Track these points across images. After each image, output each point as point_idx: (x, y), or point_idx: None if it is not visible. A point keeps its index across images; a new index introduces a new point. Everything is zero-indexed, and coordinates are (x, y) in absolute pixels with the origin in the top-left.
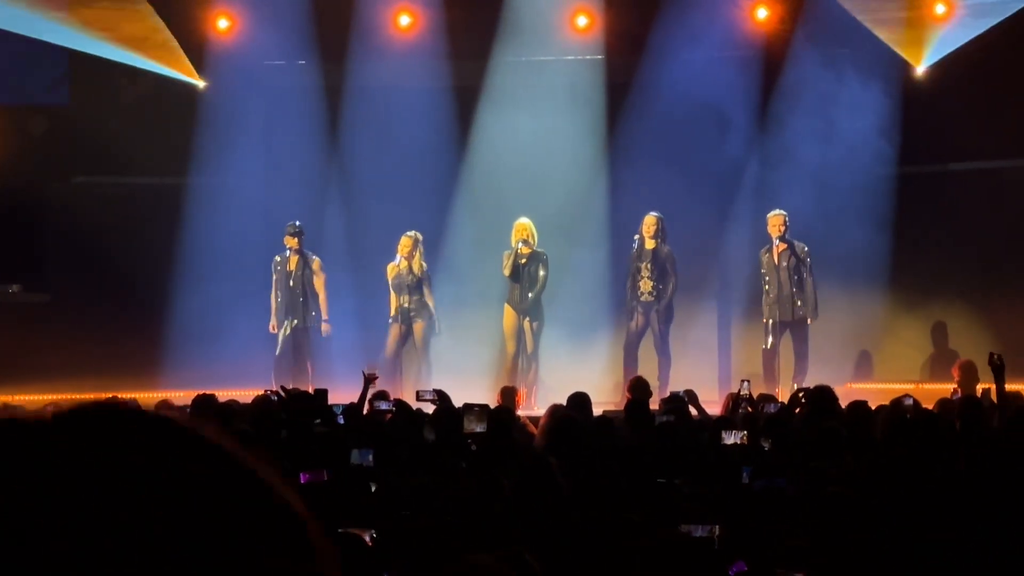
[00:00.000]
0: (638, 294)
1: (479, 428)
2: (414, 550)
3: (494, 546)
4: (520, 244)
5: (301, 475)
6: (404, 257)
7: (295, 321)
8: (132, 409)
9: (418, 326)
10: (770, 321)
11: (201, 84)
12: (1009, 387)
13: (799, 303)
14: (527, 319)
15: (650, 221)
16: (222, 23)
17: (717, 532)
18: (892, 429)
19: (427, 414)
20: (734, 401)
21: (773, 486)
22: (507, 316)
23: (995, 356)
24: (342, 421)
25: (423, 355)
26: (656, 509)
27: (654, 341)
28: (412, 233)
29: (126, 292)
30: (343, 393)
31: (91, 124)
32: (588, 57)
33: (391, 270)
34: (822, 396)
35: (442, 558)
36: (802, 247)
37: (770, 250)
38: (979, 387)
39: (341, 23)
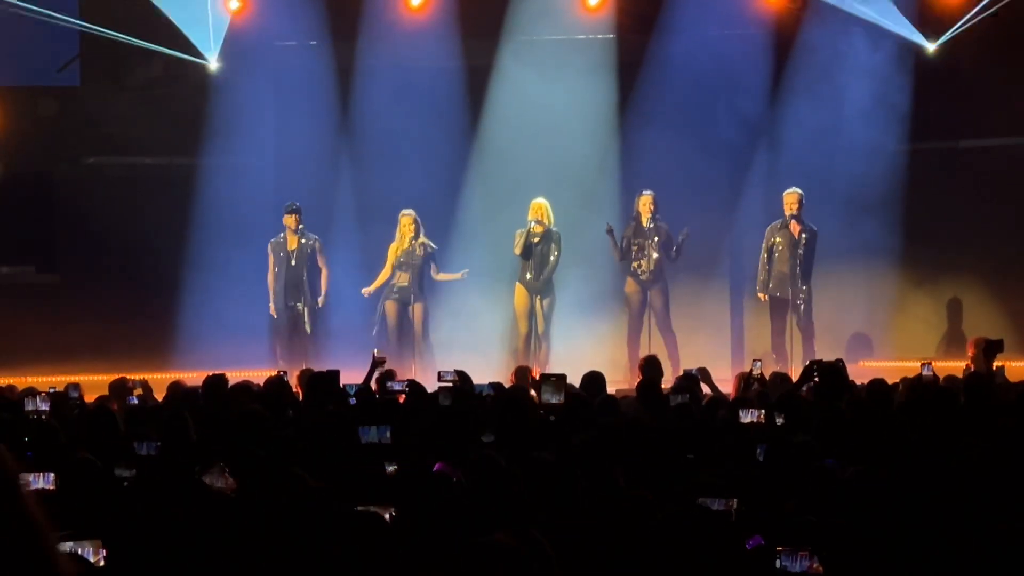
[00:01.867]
0: (637, 273)
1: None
2: (431, 529)
3: (506, 525)
4: (533, 223)
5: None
6: (410, 237)
7: (296, 301)
8: None
9: (417, 307)
10: (775, 299)
11: (212, 65)
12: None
13: (801, 283)
14: (539, 298)
15: (646, 200)
16: (233, 4)
17: (735, 506)
18: (911, 402)
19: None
20: (746, 380)
21: (823, 467)
22: (519, 295)
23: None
24: (354, 402)
25: (423, 337)
26: (672, 487)
27: (657, 321)
28: (410, 212)
29: (136, 273)
30: (345, 373)
31: (102, 105)
32: (600, 36)
33: (395, 249)
34: (833, 372)
35: (458, 536)
36: (814, 228)
37: (786, 226)
38: (994, 364)
39: (352, 3)
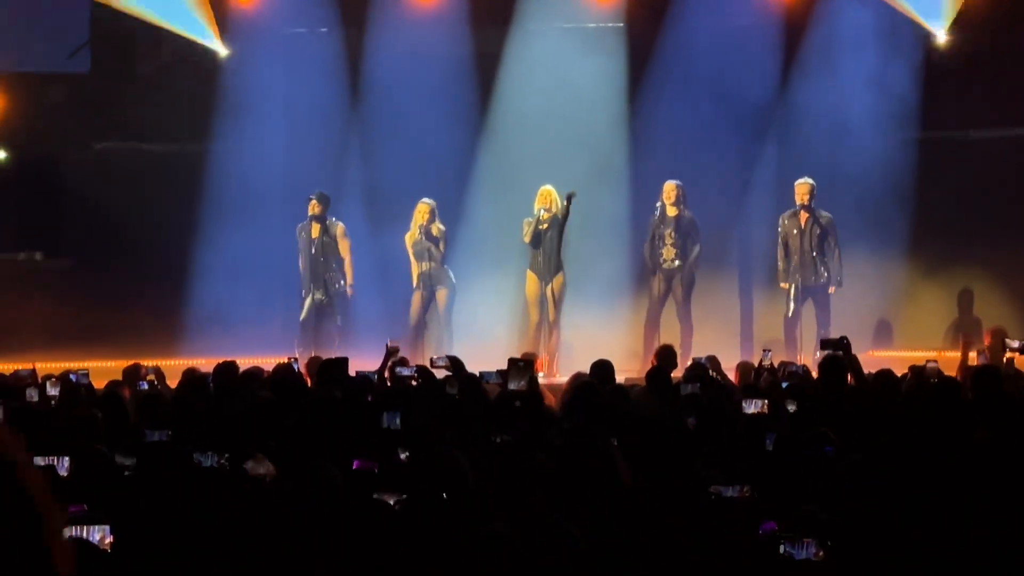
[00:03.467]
0: (660, 261)
1: (516, 385)
2: (443, 517)
3: (526, 514)
4: (542, 211)
5: (354, 462)
6: (422, 224)
7: (318, 290)
8: None
9: (441, 293)
10: (792, 288)
11: (223, 51)
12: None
13: (822, 270)
14: (550, 286)
15: (671, 188)
16: None
17: (747, 492)
18: (914, 396)
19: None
20: (755, 370)
21: (822, 455)
22: (530, 283)
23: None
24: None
25: (445, 321)
26: (685, 478)
27: (676, 309)
28: (428, 200)
29: (146, 259)
30: (367, 361)
31: (111, 92)
32: (610, 24)
33: (410, 238)
34: (834, 367)
35: (470, 525)
36: (827, 216)
37: (796, 215)
38: (1005, 356)
39: None
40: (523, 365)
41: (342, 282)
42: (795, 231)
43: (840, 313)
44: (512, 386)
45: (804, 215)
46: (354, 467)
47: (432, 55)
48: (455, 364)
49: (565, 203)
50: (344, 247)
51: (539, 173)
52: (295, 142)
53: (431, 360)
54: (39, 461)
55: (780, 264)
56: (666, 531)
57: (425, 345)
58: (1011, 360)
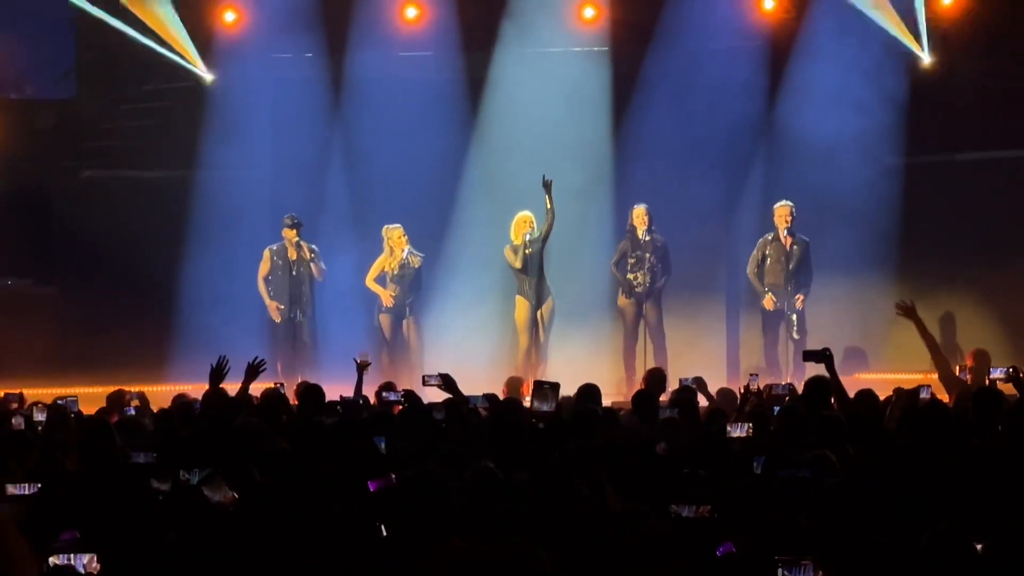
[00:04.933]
0: (633, 285)
1: (547, 407)
2: (424, 539)
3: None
4: (527, 237)
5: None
6: (401, 250)
7: (296, 312)
8: None
9: (410, 320)
10: (769, 311)
11: (208, 77)
12: (999, 375)
13: (796, 295)
14: (540, 311)
15: (641, 212)
16: (229, 16)
17: (709, 513)
18: (906, 419)
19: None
20: (742, 395)
21: (797, 477)
22: (520, 308)
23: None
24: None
25: (416, 350)
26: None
27: (649, 333)
28: (397, 226)
29: (134, 285)
30: (344, 384)
31: (98, 118)
32: (595, 48)
33: (384, 263)
34: (818, 388)
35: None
36: (806, 241)
37: (776, 239)
38: (987, 379)
39: (348, 15)
40: (549, 387)
41: (314, 304)
42: (775, 254)
43: (824, 336)
44: (544, 408)
45: (785, 239)
46: (371, 488)
47: (417, 80)
48: (447, 382)
49: (546, 194)
50: (317, 270)
51: (524, 197)
52: (280, 167)
53: (423, 378)
54: (24, 489)
55: (755, 284)
56: (647, 556)
57: (399, 369)
58: (993, 383)
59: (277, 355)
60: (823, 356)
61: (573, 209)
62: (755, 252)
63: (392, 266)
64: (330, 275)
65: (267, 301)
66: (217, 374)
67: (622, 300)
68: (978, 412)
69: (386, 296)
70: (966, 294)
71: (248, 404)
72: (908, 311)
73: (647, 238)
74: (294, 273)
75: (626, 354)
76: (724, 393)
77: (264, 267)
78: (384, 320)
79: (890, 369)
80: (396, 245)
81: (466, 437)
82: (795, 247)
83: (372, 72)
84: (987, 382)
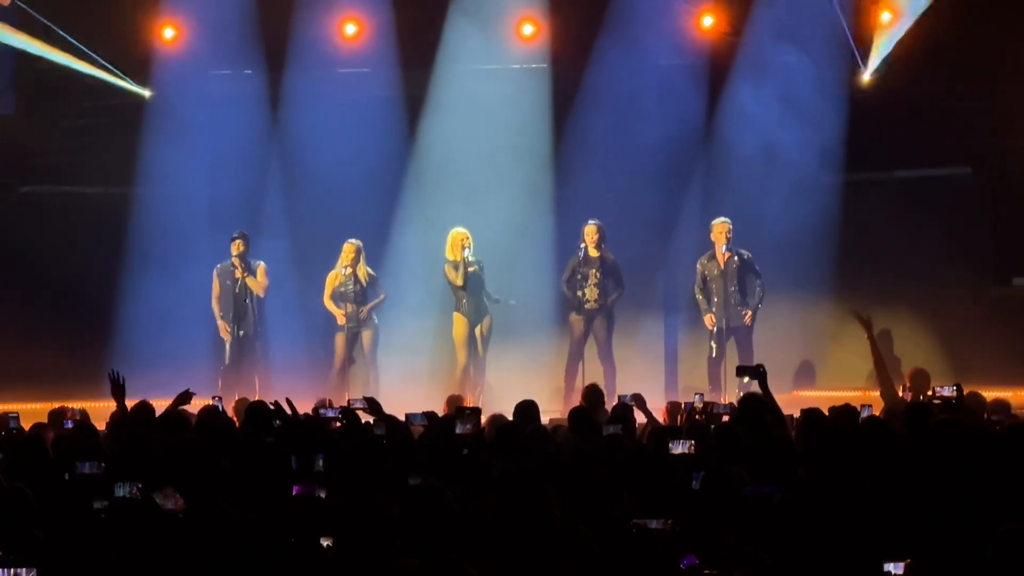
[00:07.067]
0: (583, 301)
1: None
2: (364, 556)
3: (435, 553)
4: (467, 252)
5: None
6: (348, 265)
7: (241, 331)
8: None
9: (366, 335)
10: (715, 329)
11: (146, 93)
12: (948, 394)
13: (744, 311)
14: (479, 327)
15: (592, 229)
16: (168, 32)
17: (671, 525)
18: (847, 439)
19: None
20: (687, 414)
21: (763, 494)
22: (458, 325)
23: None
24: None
25: (371, 364)
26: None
27: (598, 350)
28: (354, 241)
29: (73, 301)
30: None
31: (35, 134)
32: (534, 65)
33: (334, 278)
34: (752, 405)
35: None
36: (747, 254)
37: (713, 257)
38: (929, 395)
39: (287, 32)
40: (470, 412)
41: (259, 323)
42: (715, 272)
43: (764, 353)
44: (459, 430)
45: (723, 255)
46: (295, 492)
47: (356, 97)
48: (372, 405)
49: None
50: (256, 286)
51: (463, 213)
52: (218, 183)
53: (348, 401)
54: None
55: (700, 303)
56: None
57: (350, 386)
58: (930, 400)
59: (220, 372)
60: (756, 372)
61: (512, 226)
62: (697, 273)
63: (338, 282)
64: (269, 293)
65: (218, 321)
66: (118, 389)
67: (573, 316)
68: (911, 427)
69: (340, 315)
70: (903, 311)
71: (177, 422)
72: (865, 324)
73: (596, 254)
74: (236, 291)
75: (568, 369)
76: (673, 406)
77: (215, 287)
78: (339, 339)
79: (827, 387)
80: (342, 260)
81: (402, 454)
82: (733, 263)
83: (311, 89)
84: (925, 400)
